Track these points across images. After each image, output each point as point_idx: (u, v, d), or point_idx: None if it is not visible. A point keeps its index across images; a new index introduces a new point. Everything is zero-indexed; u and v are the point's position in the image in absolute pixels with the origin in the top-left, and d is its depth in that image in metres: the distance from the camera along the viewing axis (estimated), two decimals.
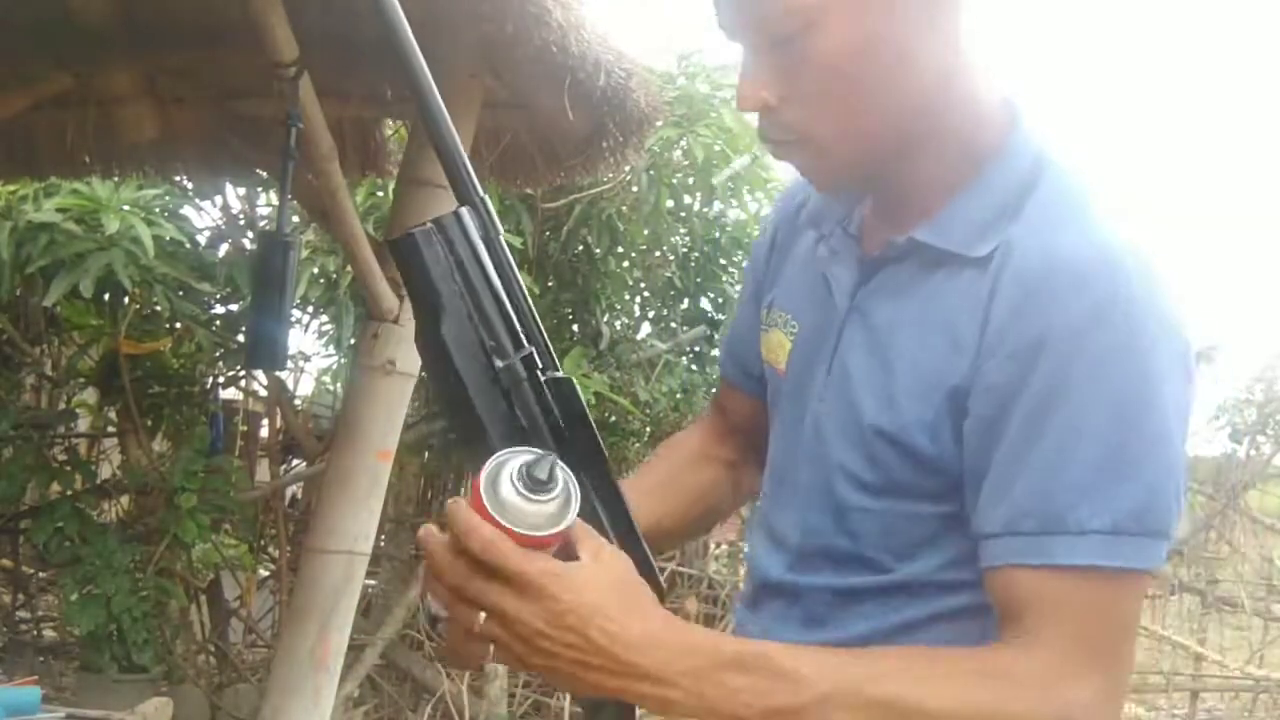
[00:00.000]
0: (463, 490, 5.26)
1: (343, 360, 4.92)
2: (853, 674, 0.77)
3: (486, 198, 0.80)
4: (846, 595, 0.93)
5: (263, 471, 6.02)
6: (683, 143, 4.71)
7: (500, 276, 0.79)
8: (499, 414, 0.78)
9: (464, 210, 0.79)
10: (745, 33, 0.86)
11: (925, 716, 0.76)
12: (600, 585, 0.74)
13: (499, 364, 0.78)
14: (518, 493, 0.72)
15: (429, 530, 0.76)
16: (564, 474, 0.74)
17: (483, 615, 0.73)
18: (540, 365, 0.79)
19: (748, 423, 1.11)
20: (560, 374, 0.80)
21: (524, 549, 0.72)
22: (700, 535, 1.06)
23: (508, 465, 0.74)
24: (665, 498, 1.06)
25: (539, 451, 0.74)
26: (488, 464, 0.74)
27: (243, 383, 5.50)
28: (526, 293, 0.81)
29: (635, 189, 4.69)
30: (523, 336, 0.79)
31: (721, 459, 1.12)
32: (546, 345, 0.81)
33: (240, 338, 4.72)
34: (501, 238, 0.80)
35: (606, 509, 0.82)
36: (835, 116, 0.85)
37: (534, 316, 0.81)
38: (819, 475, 0.93)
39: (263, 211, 4.90)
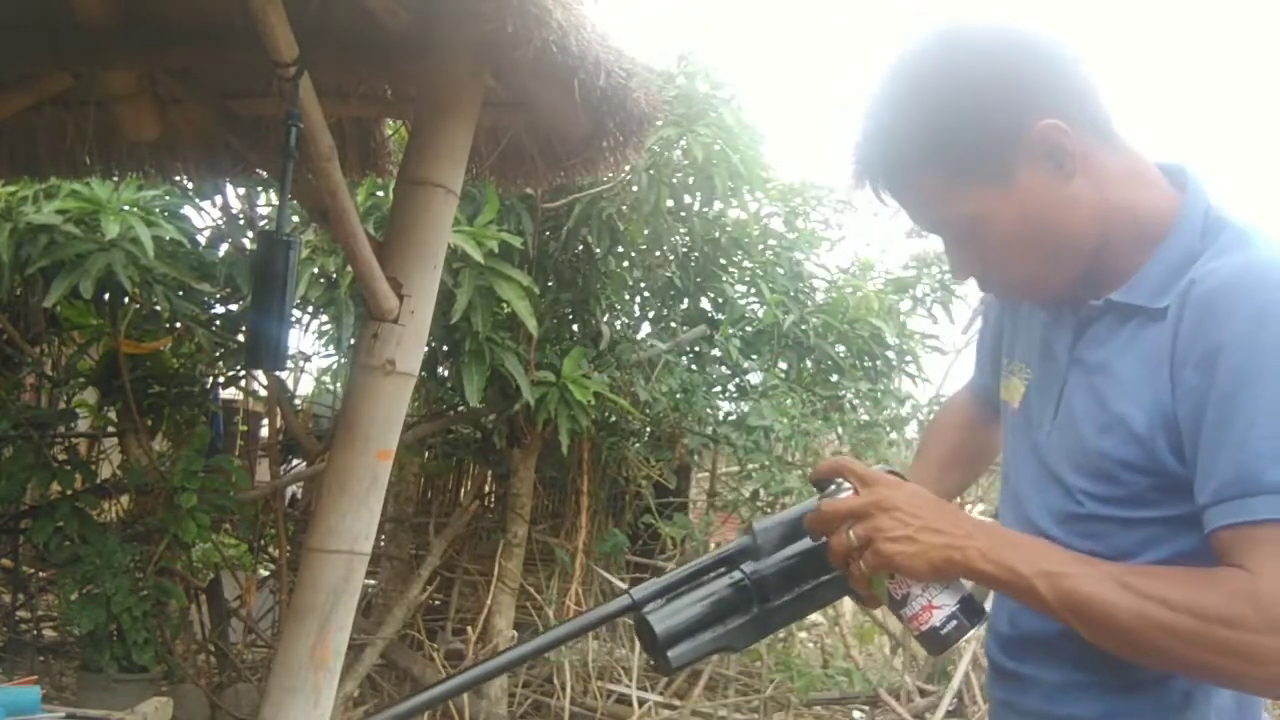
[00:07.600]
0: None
1: (343, 360, 4.92)
2: (1110, 567, 1.02)
3: None
4: None
5: (263, 471, 6.03)
6: (682, 142, 4.71)
7: None
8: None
9: None
10: (935, 232, 1.17)
11: (1165, 604, 0.97)
12: (914, 492, 1.08)
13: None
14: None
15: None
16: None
17: (852, 535, 1.05)
18: None
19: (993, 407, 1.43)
20: None
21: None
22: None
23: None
24: (957, 465, 1.46)
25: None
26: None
27: (243, 383, 5.51)
28: None
29: (635, 189, 4.68)
30: None
31: (985, 421, 1.47)
32: None
33: (240, 338, 4.72)
34: None
35: None
36: (1026, 267, 1.14)
37: None
38: (1042, 491, 1.18)
39: (263, 211, 4.90)
